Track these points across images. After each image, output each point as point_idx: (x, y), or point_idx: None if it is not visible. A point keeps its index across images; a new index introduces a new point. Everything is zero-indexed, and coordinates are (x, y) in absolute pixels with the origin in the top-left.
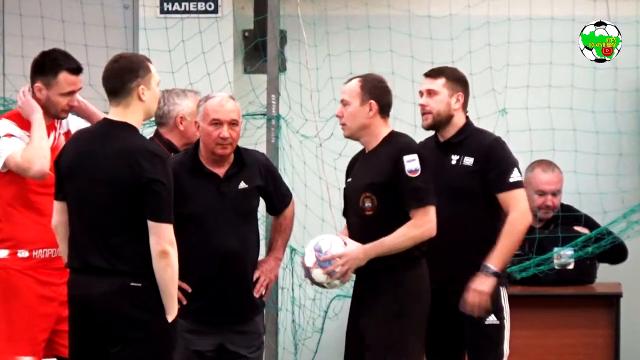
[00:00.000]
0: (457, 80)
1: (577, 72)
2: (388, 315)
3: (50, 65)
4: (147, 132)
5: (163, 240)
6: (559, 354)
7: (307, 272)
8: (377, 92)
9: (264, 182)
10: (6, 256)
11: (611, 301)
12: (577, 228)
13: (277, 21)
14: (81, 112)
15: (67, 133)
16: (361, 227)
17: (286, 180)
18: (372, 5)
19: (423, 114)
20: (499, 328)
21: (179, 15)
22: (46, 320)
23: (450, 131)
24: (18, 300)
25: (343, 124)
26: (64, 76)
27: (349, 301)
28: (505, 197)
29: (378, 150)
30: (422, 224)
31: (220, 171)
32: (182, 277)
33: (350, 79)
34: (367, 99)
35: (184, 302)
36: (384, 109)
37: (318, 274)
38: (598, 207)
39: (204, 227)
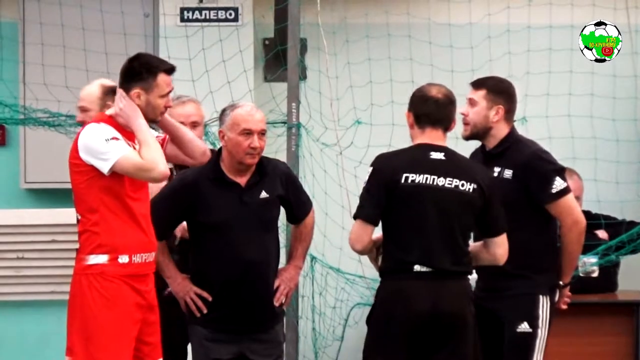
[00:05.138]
0: (499, 93)
1: (597, 80)
2: None
3: (147, 68)
4: None
5: None
6: None
7: None
8: None
9: (285, 191)
10: (106, 261)
11: (632, 309)
12: (597, 232)
13: (297, 29)
14: (164, 127)
15: None
16: None
17: (306, 188)
18: (392, 13)
19: (464, 123)
20: (531, 337)
21: (199, 24)
22: (137, 327)
23: (492, 142)
24: (119, 309)
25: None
26: (162, 77)
27: (368, 309)
28: (553, 209)
29: None
30: None
31: (242, 180)
32: (203, 285)
33: None
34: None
35: (205, 311)
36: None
37: None
38: (618, 214)
39: (226, 237)
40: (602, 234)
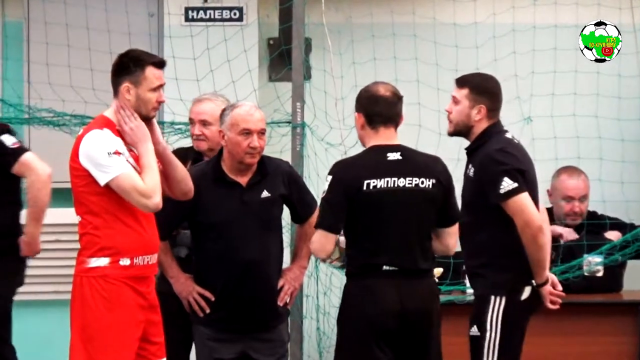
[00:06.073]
0: (482, 92)
1: (602, 80)
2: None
3: (135, 62)
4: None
5: None
6: None
7: None
8: None
9: (287, 190)
10: (107, 264)
11: (635, 308)
12: (606, 234)
13: (302, 29)
14: (161, 158)
15: None
16: None
17: (311, 187)
18: (397, 13)
19: (448, 120)
20: (480, 340)
21: (204, 23)
22: (140, 328)
23: (471, 139)
24: (120, 311)
25: None
26: (150, 70)
27: None
28: (505, 209)
29: None
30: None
31: (243, 180)
32: (205, 285)
33: None
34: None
35: (207, 311)
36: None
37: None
38: (623, 215)
39: (226, 236)
40: (610, 235)
